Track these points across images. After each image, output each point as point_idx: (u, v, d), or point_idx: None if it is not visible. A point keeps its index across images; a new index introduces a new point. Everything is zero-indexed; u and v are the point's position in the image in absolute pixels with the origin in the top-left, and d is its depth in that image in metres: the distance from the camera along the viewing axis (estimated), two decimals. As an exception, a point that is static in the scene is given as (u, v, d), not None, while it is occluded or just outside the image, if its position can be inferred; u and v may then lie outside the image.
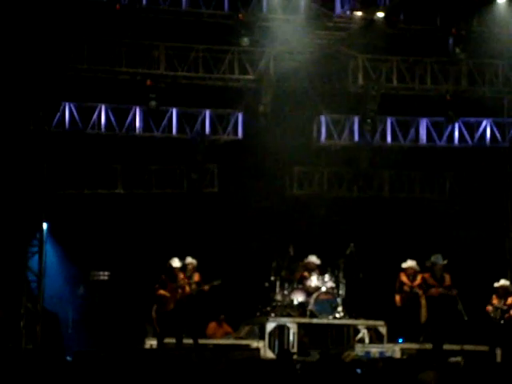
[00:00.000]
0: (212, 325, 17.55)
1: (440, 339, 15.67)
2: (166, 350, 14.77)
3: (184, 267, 15.98)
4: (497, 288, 15.96)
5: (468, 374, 8.17)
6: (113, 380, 7.31)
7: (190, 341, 15.72)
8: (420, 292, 16.50)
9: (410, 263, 16.80)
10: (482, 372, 8.29)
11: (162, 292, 15.48)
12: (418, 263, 16.76)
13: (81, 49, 17.23)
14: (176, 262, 15.69)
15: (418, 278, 16.71)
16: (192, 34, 17.76)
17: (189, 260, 16.11)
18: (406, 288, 16.70)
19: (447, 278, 15.88)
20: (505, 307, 15.77)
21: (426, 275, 15.88)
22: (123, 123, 18.28)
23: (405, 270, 16.81)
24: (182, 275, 15.77)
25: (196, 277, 16.04)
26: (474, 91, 18.60)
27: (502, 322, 15.75)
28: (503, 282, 16.08)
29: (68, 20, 16.82)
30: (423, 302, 16.46)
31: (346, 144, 19.30)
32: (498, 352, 16.10)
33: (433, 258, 15.96)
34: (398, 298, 16.75)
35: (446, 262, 15.94)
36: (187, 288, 15.71)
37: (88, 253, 18.03)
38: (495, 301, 15.93)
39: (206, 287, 15.97)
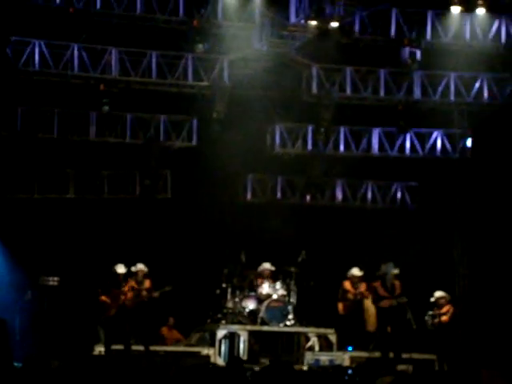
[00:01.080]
0: (164, 330, 17.50)
1: (389, 348, 15.79)
2: (113, 357, 14.67)
3: (134, 274, 15.91)
4: (435, 301, 16.24)
5: (416, 381, 8.24)
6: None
7: (141, 347, 15.64)
8: (367, 295, 16.61)
9: (353, 271, 16.93)
10: (429, 380, 8.37)
11: (103, 298, 15.47)
12: (368, 271, 16.88)
13: (32, 52, 17.06)
14: (120, 268, 15.65)
15: (362, 286, 16.84)
16: (146, 40, 17.70)
17: (139, 266, 16.03)
18: (349, 296, 16.82)
19: (397, 285, 16.01)
20: (436, 312, 16.05)
21: (377, 284, 15.98)
22: (77, 128, 18.13)
23: (349, 278, 16.93)
24: (131, 282, 15.72)
25: (147, 283, 15.96)
26: (425, 102, 18.81)
27: (433, 328, 16.01)
28: (439, 293, 16.34)
29: (20, 22, 16.67)
30: (371, 309, 16.58)
31: (299, 152, 19.38)
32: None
33: (383, 267, 16.08)
34: (340, 306, 16.85)
35: (397, 271, 16.08)
36: (129, 294, 15.63)
37: (37, 258, 17.81)
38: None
39: (156, 294, 15.91)
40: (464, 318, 19.07)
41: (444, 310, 16.21)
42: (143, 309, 15.76)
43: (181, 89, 18.10)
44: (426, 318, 16.09)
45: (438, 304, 16.26)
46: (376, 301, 16.00)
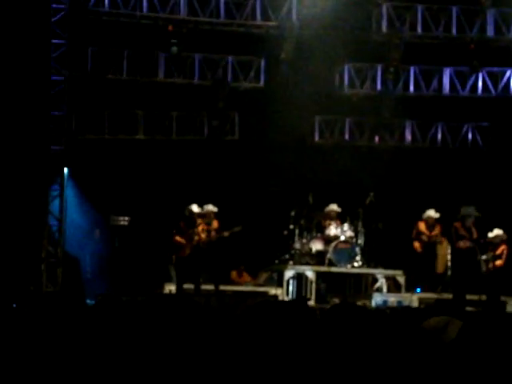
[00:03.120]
0: (233, 274, 17.67)
1: (462, 289, 15.69)
2: (184, 295, 14.90)
3: (203, 214, 16.04)
4: (490, 241, 15.97)
5: (485, 323, 8.16)
6: (133, 324, 7.38)
7: (211, 287, 15.85)
8: (440, 240, 16.51)
9: (429, 213, 16.78)
10: (499, 322, 8.27)
11: (178, 238, 15.62)
12: (440, 213, 16.73)
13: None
14: (195, 208, 15.77)
15: (437, 228, 16.72)
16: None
17: (209, 207, 16.16)
18: (424, 237, 16.71)
19: (475, 231, 15.89)
20: (490, 255, 15.78)
21: (458, 224, 15.88)
22: (145, 69, 18.19)
23: (425, 220, 16.80)
24: (200, 222, 15.85)
25: (215, 223, 16.10)
26: (498, 40, 18.32)
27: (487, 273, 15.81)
28: (494, 232, 16.10)
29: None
30: (442, 252, 16.48)
31: (368, 93, 19.13)
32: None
33: (464, 210, 15.92)
34: (417, 244, 16.75)
35: (479, 214, 15.91)
36: (202, 235, 15.79)
37: (108, 198, 18.09)
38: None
39: (226, 233, 16.02)
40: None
41: (499, 251, 15.92)
42: (213, 249, 15.93)
43: (249, 29, 17.95)
44: (481, 262, 15.86)
45: (493, 244, 15.95)
46: (456, 240, 15.87)
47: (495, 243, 15.97)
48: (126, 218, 17.86)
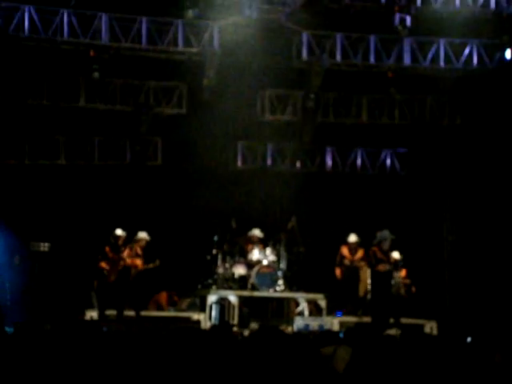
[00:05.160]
0: (163, 294, 17.52)
1: (381, 313, 15.97)
2: (106, 321, 14.79)
3: (137, 240, 16.13)
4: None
5: (403, 346, 8.35)
6: (54, 351, 7.32)
7: (132, 313, 15.77)
8: (362, 264, 16.83)
9: (352, 237, 17.11)
10: (417, 344, 8.47)
11: (103, 264, 15.54)
12: (361, 238, 17.08)
13: (21, 18, 16.97)
14: (119, 232, 15.76)
15: (360, 252, 17.04)
16: (136, 5, 17.61)
17: (143, 235, 16.26)
18: (346, 262, 17.01)
19: (392, 254, 16.25)
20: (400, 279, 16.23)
21: (375, 248, 16.21)
22: (67, 94, 18.10)
23: (347, 244, 17.11)
24: (136, 248, 15.91)
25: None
26: (415, 68, 18.80)
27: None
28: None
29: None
30: (363, 275, 16.78)
31: (289, 119, 19.40)
32: (433, 325, 16.52)
33: (379, 234, 16.26)
34: (338, 271, 17.06)
35: (393, 237, 16.27)
36: (128, 260, 15.76)
37: (28, 224, 17.87)
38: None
39: (151, 265, 16.16)
40: (451, 283, 19.28)
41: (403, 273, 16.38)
42: (140, 275, 15.97)
43: (171, 55, 18.04)
44: (394, 284, 16.24)
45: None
46: (373, 264, 16.19)
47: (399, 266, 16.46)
48: (47, 244, 17.65)
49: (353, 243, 17.08)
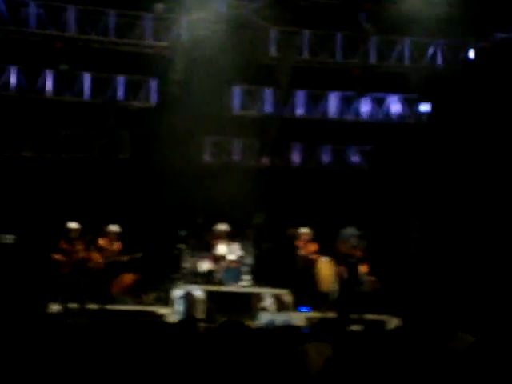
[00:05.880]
0: (129, 275, 17.39)
1: (346, 308, 16.08)
2: (68, 315, 14.75)
3: (106, 234, 16.08)
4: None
5: (365, 341, 8.43)
6: (17, 344, 7.31)
7: (96, 306, 15.73)
8: (315, 257, 16.95)
9: (303, 230, 17.26)
10: (380, 340, 8.56)
11: (56, 256, 15.54)
12: (322, 232, 17.20)
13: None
14: (73, 225, 15.74)
15: (312, 246, 17.18)
16: (105, -2, 17.59)
17: (112, 228, 16.21)
18: (301, 252, 17.14)
19: (358, 250, 16.34)
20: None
21: (341, 244, 16.30)
22: (34, 85, 18.00)
23: (299, 236, 17.26)
24: (102, 241, 15.88)
25: (117, 245, 16.17)
26: (381, 66, 18.95)
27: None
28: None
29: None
30: (324, 270, 16.88)
31: (257, 115, 19.46)
32: (397, 321, 16.66)
33: (345, 231, 16.36)
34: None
35: (359, 233, 16.37)
36: (81, 253, 15.74)
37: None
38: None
39: (126, 258, 16.11)
40: (415, 280, 19.46)
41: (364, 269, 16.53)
42: (107, 269, 15.93)
43: (140, 49, 18.03)
44: (362, 280, 16.39)
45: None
46: (341, 260, 16.29)
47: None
48: (12, 237, 17.55)
49: (304, 235, 17.20)
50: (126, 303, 16.85)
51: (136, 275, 17.25)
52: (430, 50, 18.66)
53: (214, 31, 17.88)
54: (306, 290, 17.16)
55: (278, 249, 17.83)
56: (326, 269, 16.94)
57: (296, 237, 17.28)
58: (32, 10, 17.11)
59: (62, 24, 17.39)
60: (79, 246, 15.68)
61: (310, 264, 17.09)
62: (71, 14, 17.37)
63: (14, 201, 17.96)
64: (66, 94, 18.29)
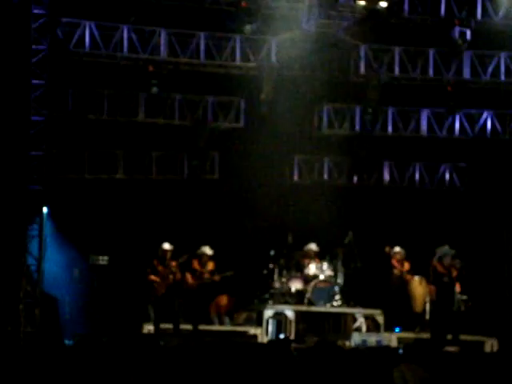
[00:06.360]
0: (224, 297, 17.46)
1: (441, 329, 15.77)
2: (162, 335, 14.86)
3: (199, 256, 16.24)
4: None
5: (463, 363, 8.22)
6: (111, 365, 7.38)
7: (189, 326, 15.82)
8: (409, 278, 16.73)
9: (397, 249, 17.10)
10: (477, 362, 8.34)
11: (152, 277, 15.68)
12: (415, 251, 16.98)
13: (82, 34, 17.24)
14: (166, 246, 15.90)
15: (406, 264, 16.97)
16: (194, 21, 17.76)
17: (204, 249, 16.45)
18: (396, 272, 16.95)
19: (453, 269, 16.06)
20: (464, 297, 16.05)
21: (436, 263, 16.07)
22: (126, 109, 18.31)
23: (393, 256, 17.10)
24: (195, 264, 16.11)
25: (210, 265, 16.39)
26: (475, 82, 18.61)
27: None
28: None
29: (70, 3, 16.88)
30: (418, 290, 16.61)
31: (346, 133, 19.33)
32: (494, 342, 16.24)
33: (439, 250, 16.10)
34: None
35: (454, 252, 16.09)
36: (178, 274, 15.89)
37: (87, 237, 18.07)
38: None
39: (218, 277, 16.29)
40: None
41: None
42: (202, 290, 16.11)
43: (228, 70, 18.14)
44: (458, 301, 16.05)
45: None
46: (435, 279, 16.04)
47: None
48: (106, 258, 17.82)
49: (398, 254, 17.03)
50: (222, 324, 16.92)
51: (231, 297, 17.33)
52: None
53: (303, 50, 17.87)
54: (399, 310, 16.92)
55: (369, 268, 17.62)
56: (419, 288, 16.67)
57: (390, 256, 17.10)
58: (124, 34, 17.42)
59: (152, 48, 17.65)
60: (174, 268, 15.82)
61: (404, 283, 16.85)
62: (162, 38, 17.62)
63: (108, 222, 18.24)
64: (156, 117, 18.53)
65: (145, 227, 18.27)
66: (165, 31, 17.67)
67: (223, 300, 17.24)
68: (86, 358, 7.54)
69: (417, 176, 19.88)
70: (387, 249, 17.17)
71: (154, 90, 17.77)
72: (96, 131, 18.47)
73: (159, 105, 18.47)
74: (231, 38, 17.94)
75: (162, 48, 17.70)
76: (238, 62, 18.05)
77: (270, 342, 8.54)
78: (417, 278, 16.97)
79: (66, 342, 14.13)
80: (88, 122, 18.24)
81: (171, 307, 15.65)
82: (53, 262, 17.65)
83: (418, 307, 16.77)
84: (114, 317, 16.85)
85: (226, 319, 17.07)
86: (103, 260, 17.82)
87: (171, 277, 15.73)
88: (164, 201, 18.73)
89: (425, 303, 16.75)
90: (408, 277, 16.90)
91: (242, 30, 17.55)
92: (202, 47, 17.86)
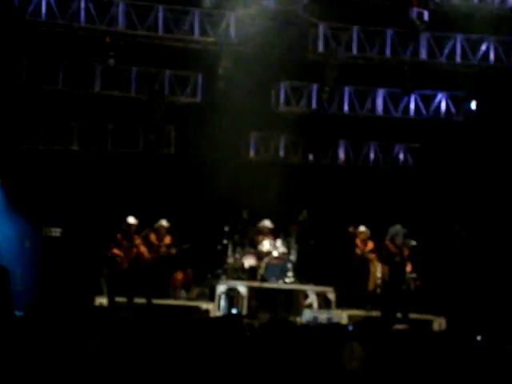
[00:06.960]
0: (178, 274, 17.47)
1: (391, 307, 15.94)
2: (115, 309, 14.83)
3: (156, 229, 16.17)
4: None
5: (411, 341, 8.33)
6: (63, 336, 7.35)
7: (143, 300, 15.80)
8: (371, 257, 16.83)
9: (362, 228, 17.15)
10: (424, 340, 8.45)
11: (115, 251, 15.56)
12: (372, 231, 17.10)
13: (39, 3, 17.00)
14: (132, 220, 15.80)
15: (370, 244, 17.06)
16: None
17: (161, 222, 16.32)
18: (358, 251, 17.04)
19: (405, 248, 16.18)
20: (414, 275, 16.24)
21: (388, 242, 16.16)
22: (82, 80, 18.13)
23: (358, 235, 17.16)
24: (152, 236, 16.00)
25: (167, 239, 16.27)
26: (431, 63, 18.74)
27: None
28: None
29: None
30: (373, 269, 16.76)
31: (303, 111, 19.37)
32: (442, 321, 16.50)
33: (392, 230, 16.22)
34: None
35: (406, 231, 16.23)
36: (142, 248, 15.82)
37: (41, 209, 17.92)
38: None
39: (174, 250, 16.20)
40: (461, 279, 19.25)
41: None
42: (158, 264, 16.04)
43: (187, 44, 18.04)
44: (409, 279, 16.19)
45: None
46: (386, 258, 16.16)
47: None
48: (58, 230, 17.70)
49: (363, 234, 17.11)
50: (177, 298, 16.93)
51: (187, 271, 17.34)
52: (482, 47, 18.40)
53: (262, 27, 17.83)
54: (350, 288, 17.07)
55: (323, 246, 17.75)
56: (374, 267, 16.84)
57: (356, 235, 17.18)
58: (81, 4, 17.22)
59: (110, 19, 17.47)
60: (138, 242, 15.74)
61: (366, 262, 16.98)
62: (120, 9, 17.44)
63: (61, 195, 18.10)
64: (113, 89, 18.38)
65: (99, 200, 18.17)
66: (123, 3, 17.51)
67: (178, 274, 17.25)
68: (36, 329, 7.51)
69: (371, 155, 20.03)
70: (351, 228, 17.26)
71: (111, 61, 17.62)
72: (51, 102, 18.27)
73: (116, 77, 18.32)
74: (190, 12, 17.83)
75: (120, 20, 17.53)
76: (196, 36, 17.96)
77: (222, 316, 8.58)
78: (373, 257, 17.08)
79: (17, 313, 14.00)
80: (43, 92, 18.03)
81: (129, 281, 15.58)
82: (4, 233, 17.49)
83: (371, 285, 16.95)
84: (66, 289, 16.76)
85: (183, 293, 17.07)
86: (56, 232, 17.70)
87: (134, 250, 15.66)
88: (119, 174, 18.64)
89: (376, 282, 16.92)
90: (371, 256, 17.00)
91: (201, 3, 17.45)
92: (161, 20, 17.73)
